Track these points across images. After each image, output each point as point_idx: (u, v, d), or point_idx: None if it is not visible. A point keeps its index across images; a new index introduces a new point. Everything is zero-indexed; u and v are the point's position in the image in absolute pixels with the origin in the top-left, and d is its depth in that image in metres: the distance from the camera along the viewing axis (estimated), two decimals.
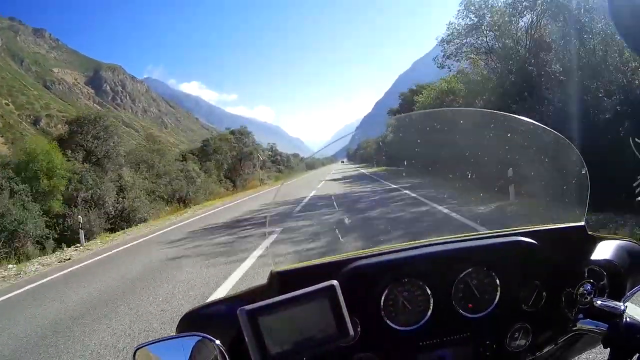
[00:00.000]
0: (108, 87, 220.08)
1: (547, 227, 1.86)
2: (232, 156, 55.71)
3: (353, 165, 79.31)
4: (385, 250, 1.69)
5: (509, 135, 2.30)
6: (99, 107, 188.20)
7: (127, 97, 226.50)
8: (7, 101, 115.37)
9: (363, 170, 42.12)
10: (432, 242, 1.76)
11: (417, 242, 1.80)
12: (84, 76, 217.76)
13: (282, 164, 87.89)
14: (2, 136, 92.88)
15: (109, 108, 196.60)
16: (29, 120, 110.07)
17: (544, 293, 1.62)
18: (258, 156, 54.55)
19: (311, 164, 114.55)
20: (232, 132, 62.31)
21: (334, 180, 27.20)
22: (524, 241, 1.66)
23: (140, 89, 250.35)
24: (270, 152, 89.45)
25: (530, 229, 1.80)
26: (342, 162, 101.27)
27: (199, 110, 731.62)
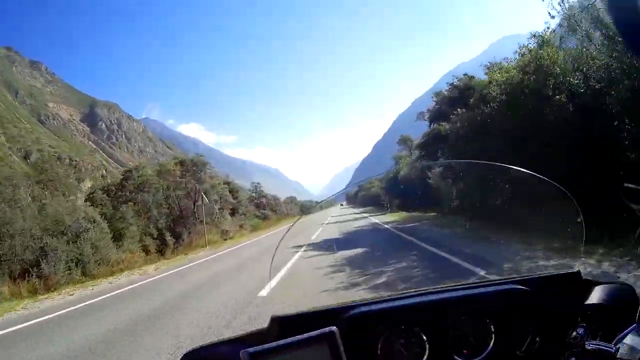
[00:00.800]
0: (104, 125, 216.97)
1: (541, 275, 2.04)
2: (177, 196, 34.48)
3: (354, 210, 69.13)
4: (383, 298, 1.85)
5: (507, 186, 4.39)
6: (93, 145, 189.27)
7: (123, 136, 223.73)
8: None
9: (374, 219, 33.71)
10: (429, 291, 1.89)
11: (413, 290, 1.95)
12: (79, 112, 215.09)
13: (267, 208, 77.35)
14: None
15: (104, 146, 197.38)
16: (19, 154, 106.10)
17: (538, 338, 1.72)
18: (202, 196, 33.77)
19: (307, 208, 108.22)
20: (182, 162, 39.32)
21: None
22: (517, 288, 1.80)
23: (137, 128, 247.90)
24: (254, 194, 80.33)
25: (525, 277, 1.96)
26: (342, 205, 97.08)
27: (197, 152, 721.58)
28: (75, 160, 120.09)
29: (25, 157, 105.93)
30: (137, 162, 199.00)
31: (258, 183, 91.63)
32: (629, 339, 1.46)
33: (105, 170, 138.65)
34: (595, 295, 1.82)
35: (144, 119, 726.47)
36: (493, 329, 1.69)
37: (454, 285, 1.92)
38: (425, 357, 1.62)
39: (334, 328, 1.36)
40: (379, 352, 1.59)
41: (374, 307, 1.72)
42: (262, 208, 71.22)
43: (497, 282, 1.93)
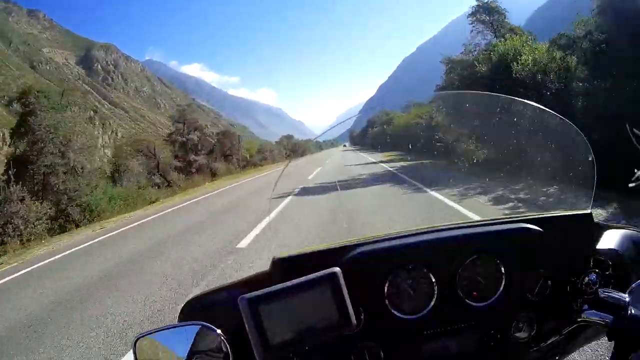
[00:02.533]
0: (99, 67, 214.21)
1: (553, 214, 1.87)
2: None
3: (362, 154, 63.91)
4: (389, 236, 1.70)
5: (514, 119, 2.50)
6: (87, 87, 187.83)
7: (120, 77, 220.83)
8: None
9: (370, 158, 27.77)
10: (437, 228, 1.75)
11: (421, 227, 1.79)
12: (75, 56, 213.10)
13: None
14: None
15: (98, 88, 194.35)
16: (2, 102, 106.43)
17: (549, 282, 1.65)
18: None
19: (300, 148, 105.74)
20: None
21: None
22: (529, 228, 1.66)
23: (135, 68, 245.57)
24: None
25: (536, 216, 1.81)
26: (344, 146, 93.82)
27: (200, 92, 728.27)
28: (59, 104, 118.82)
29: (9, 104, 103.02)
30: (131, 101, 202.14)
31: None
32: None
33: (94, 112, 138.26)
34: (608, 241, 1.75)
35: (146, 61, 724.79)
36: (503, 271, 1.60)
37: (464, 223, 1.80)
38: (434, 299, 1.55)
39: (336, 269, 1.30)
40: (384, 293, 1.53)
41: (379, 245, 1.60)
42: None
43: (508, 220, 1.78)
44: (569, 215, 1.81)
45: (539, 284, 1.58)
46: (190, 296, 1.63)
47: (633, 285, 1.45)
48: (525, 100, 2.03)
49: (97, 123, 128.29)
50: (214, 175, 45.31)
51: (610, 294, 1.46)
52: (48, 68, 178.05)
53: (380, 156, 22.42)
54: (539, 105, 1.95)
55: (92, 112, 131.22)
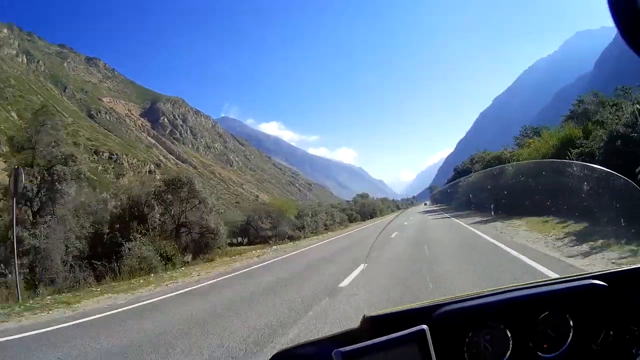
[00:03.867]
0: (166, 120, 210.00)
1: (616, 270, 2.01)
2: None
3: (445, 214, 43.23)
4: (470, 297, 1.87)
5: (576, 182, 2.87)
6: (152, 140, 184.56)
7: (188, 132, 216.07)
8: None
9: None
10: (513, 288, 1.91)
11: (498, 288, 1.96)
12: (140, 108, 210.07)
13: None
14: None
15: (164, 142, 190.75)
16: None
17: (611, 332, 1.75)
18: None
19: (369, 208, 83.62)
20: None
21: None
22: (595, 284, 1.82)
23: (206, 124, 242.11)
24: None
25: (601, 272, 1.96)
26: (425, 204, 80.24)
27: (278, 150, 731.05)
28: (116, 155, 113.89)
29: None
30: (200, 157, 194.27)
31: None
32: None
33: (157, 165, 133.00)
34: None
35: (221, 118, 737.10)
36: (572, 324, 1.73)
37: (536, 283, 1.97)
38: (509, 352, 1.68)
39: (424, 326, 1.46)
40: (465, 348, 1.64)
41: (463, 304, 1.77)
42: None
43: (575, 277, 1.95)
44: (631, 269, 1.95)
45: (603, 334, 1.70)
46: (277, 348, 1.65)
47: None
48: (593, 165, 2.35)
49: (158, 178, 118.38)
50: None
51: None
52: (108, 118, 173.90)
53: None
54: (602, 168, 2.19)
55: (152, 165, 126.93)
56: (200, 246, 27.80)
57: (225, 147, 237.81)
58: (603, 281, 1.76)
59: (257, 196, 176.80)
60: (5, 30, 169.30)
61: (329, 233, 45.06)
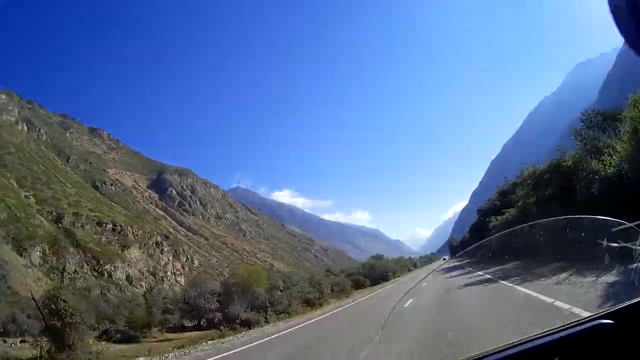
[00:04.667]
0: (174, 191, 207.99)
1: (619, 307, 2.06)
2: None
3: (471, 270, 30.50)
4: (489, 352, 2.02)
5: (582, 234, 3.33)
6: (161, 212, 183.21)
7: (198, 203, 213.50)
8: (27, 194, 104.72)
9: None
10: (524, 340, 2.03)
11: (510, 342, 2.07)
12: (146, 179, 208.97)
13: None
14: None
15: (172, 213, 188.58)
16: (50, 217, 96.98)
17: None
18: None
19: (381, 270, 67.79)
20: None
21: None
22: (602, 323, 1.90)
23: (216, 194, 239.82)
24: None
25: (609, 310, 2.04)
26: (444, 259, 74.40)
27: (292, 218, 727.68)
28: (120, 226, 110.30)
29: (57, 220, 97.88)
30: (211, 228, 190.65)
31: None
32: None
33: (165, 237, 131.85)
34: None
35: (233, 188, 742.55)
36: None
37: (546, 332, 2.05)
38: None
39: None
40: None
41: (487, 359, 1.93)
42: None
43: (583, 321, 2.03)
44: (633, 304, 2.00)
45: None
46: None
47: None
48: (585, 216, 2.82)
49: (166, 250, 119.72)
50: None
51: None
52: (114, 189, 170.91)
53: None
54: (598, 217, 2.48)
55: (158, 237, 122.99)
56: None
57: (236, 217, 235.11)
58: (610, 319, 1.85)
59: (272, 265, 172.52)
60: (3, 97, 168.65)
61: (312, 312, 31.66)
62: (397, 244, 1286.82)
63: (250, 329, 25.56)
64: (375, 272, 64.45)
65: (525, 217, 30.49)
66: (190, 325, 31.87)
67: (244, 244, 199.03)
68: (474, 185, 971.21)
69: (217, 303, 30.37)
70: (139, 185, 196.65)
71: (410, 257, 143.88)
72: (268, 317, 28.42)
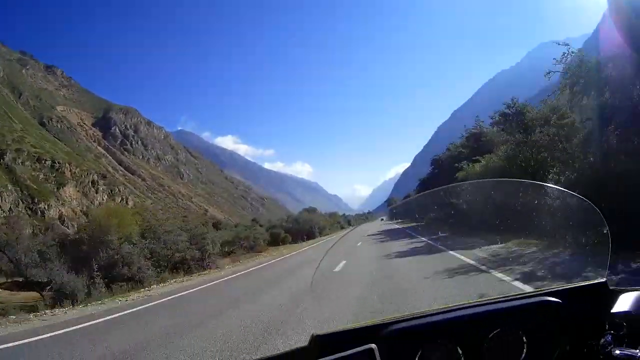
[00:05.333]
0: (117, 130, 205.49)
1: (571, 286, 2.08)
2: None
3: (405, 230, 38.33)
4: (420, 314, 1.89)
5: (535, 202, 3.02)
6: (102, 150, 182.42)
7: (139, 143, 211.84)
8: None
9: None
10: (464, 306, 1.95)
11: (449, 305, 1.99)
12: (93, 117, 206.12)
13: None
14: None
15: (114, 152, 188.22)
16: None
17: (567, 347, 1.80)
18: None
19: (307, 225, 62.75)
20: None
21: None
22: (549, 300, 1.88)
23: (158, 135, 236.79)
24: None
25: (555, 289, 2.02)
26: (382, 219, 75.96)
27: (233, 164, 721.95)
28: (58, 163, 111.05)
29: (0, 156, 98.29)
30: (150, 169, 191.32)
31: None
32: None
33: (103, 176, 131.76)
34: (622, 304, 1.88)
35: (178, 131, 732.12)
36: (525, 340, 1.74)
37: (489, 300, 2.01)
38: None
39: (372, 345, 1.48)
40: None
41: (412, 322, 1.79)
42: None
43: (529, 294, 2.01)
44: (585, 285, 2.04)
45: (559, 350, 1.75)
46: None
47: None
48: (544, 184, 2.67)
49: (101, 189, 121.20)
50: None
51: (623, 352, 1.60)
52: (60, 126, 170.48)
53: None
54: (558, 187, 2.90)
55: (95, 175, 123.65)
56: None
57: (176, 159, 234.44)
58: (557, 297, 1.86)
59: (207, 210, 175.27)
60: None
61: (190, 279, 23.02)
62: (336, 199, 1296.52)
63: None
64: (300, 227, 59.95)
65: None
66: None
67: (181, 187, 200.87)
68: (418, 149, 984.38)
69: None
70: (85, 123, 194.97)
71: (344, 214, 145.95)
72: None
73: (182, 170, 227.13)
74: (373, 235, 35.22)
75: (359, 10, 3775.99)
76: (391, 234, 34.58)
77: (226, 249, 39.57)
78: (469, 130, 49.36)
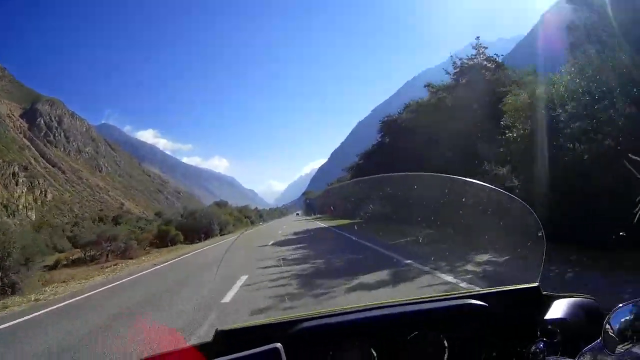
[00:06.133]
0: (42, 122, 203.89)
1: (500, 289, 2.00)
2: None
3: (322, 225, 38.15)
4: (334, 312, 1.80)
5: (463, 199, 2.80)
6: (27, 142, 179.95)
7: (62, 135, 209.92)
8: None
9: None
10: (381, 305, 1.86)
11: (366, 304, 1.88)
12: (21, 108, 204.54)
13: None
14: None
15: (37, 144, 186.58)
16: None
17: (494, 353, 1.71)
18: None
19: (206, 220, 52.44)
20: None
21: None
22: (472, 303, 1.79)
23: (80, 127, 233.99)
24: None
25: (484, 291, 1.97)
26: (297, 214, 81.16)
27: (152, 158, 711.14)
28: None
29: None
30: (70, 161, 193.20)
31: None
32: (589, 356, 1.45)
33: (25, 168, 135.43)
34: (556, 310, 1.81)
35: (102, 124, 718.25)
36: (447, 344, 1.65)
37: (410, 300, 1.91)
38: None
39: (277, 345, 1.40)
40: None
41: (323, 321, 1.69)
42: None
43: (454, 296, 1.92)
44: (516, 289, 1.98)
45: (484, 355, 1.71)
46: None
47: (582, 351, 1.49)
48: (476, 181, 2.26)
49: (21, 181, 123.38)
50: None
51: None
52: None
53: None
54: (490, 186, 2.20)
55: (16, 167, 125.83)
56: None
57: (96, 151, 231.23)
58: (485, 300, 1.77)
59: (123, 204, 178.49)
60: None
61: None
62: (252, 194, 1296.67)
63: None
64: (197, 223, 50.23)
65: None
66: None
67: (99, 179, 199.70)
68: (336, 144, 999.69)
69: None
70: (13, 114, 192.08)
71: (256, 208, 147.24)
72: None
73: (101, 163, 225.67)
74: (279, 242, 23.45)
75: (281, 6, 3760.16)
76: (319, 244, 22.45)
77: (70, 258, 32.25)
78: (463, 62, 34.61)
